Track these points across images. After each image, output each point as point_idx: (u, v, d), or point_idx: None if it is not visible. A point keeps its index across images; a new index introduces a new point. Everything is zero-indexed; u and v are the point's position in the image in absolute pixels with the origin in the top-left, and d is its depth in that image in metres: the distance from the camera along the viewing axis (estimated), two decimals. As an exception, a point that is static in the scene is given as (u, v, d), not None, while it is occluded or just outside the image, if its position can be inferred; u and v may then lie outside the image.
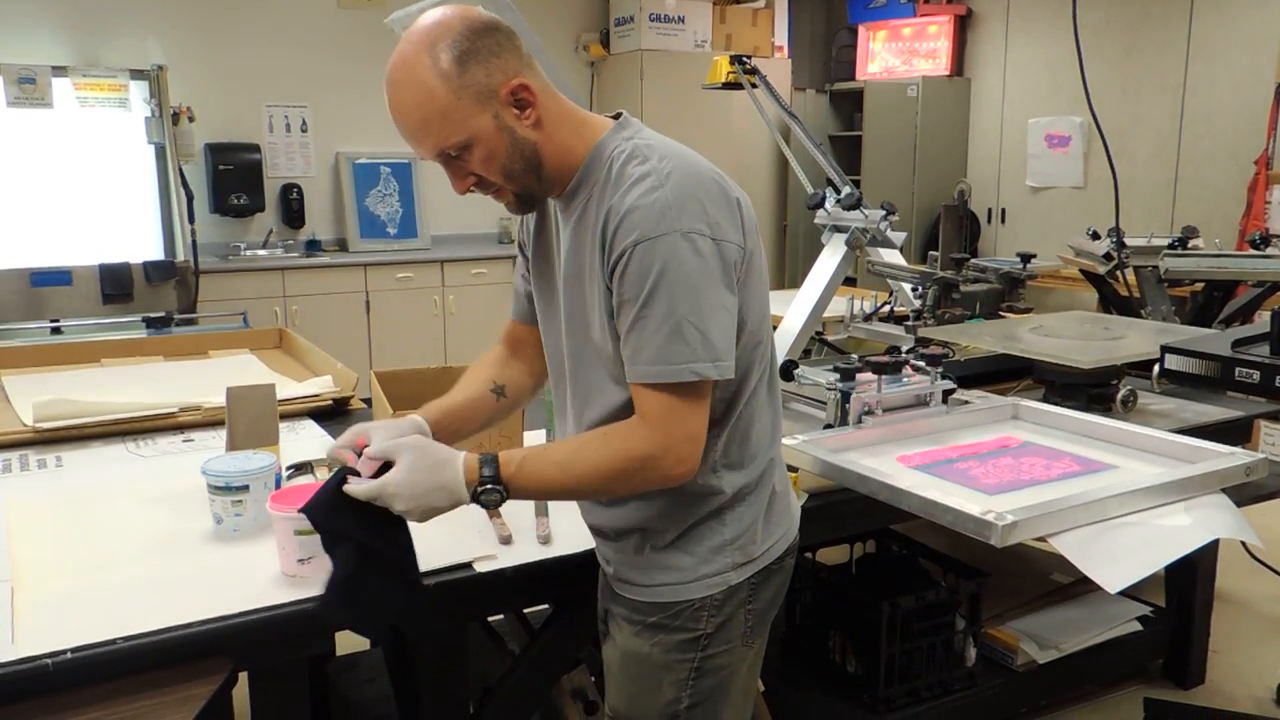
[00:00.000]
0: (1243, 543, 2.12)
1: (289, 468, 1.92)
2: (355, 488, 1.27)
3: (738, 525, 1.39)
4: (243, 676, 1.43)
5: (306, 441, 2.20)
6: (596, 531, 1.48)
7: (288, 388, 2.45)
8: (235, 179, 5.35)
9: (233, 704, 1.79)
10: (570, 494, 1.39)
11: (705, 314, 1.23)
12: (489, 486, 1.26)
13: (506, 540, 1.63)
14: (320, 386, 2.49)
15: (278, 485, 1.69)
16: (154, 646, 1.30)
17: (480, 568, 1.54)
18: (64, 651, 1.26)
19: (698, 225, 1.23)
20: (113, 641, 1.29)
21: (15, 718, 1.22)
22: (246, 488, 1.63)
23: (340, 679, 2.45)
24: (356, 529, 1.28)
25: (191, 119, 4.96)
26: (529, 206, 1.37)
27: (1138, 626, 2.75)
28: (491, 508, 1.28)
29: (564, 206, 1.36)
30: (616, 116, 1.37)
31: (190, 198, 4.79)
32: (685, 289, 1.22)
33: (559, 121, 1.31)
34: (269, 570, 1.50)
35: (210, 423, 2.27)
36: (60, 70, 4.61)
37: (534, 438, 1.97)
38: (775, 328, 2.49)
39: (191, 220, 4.80)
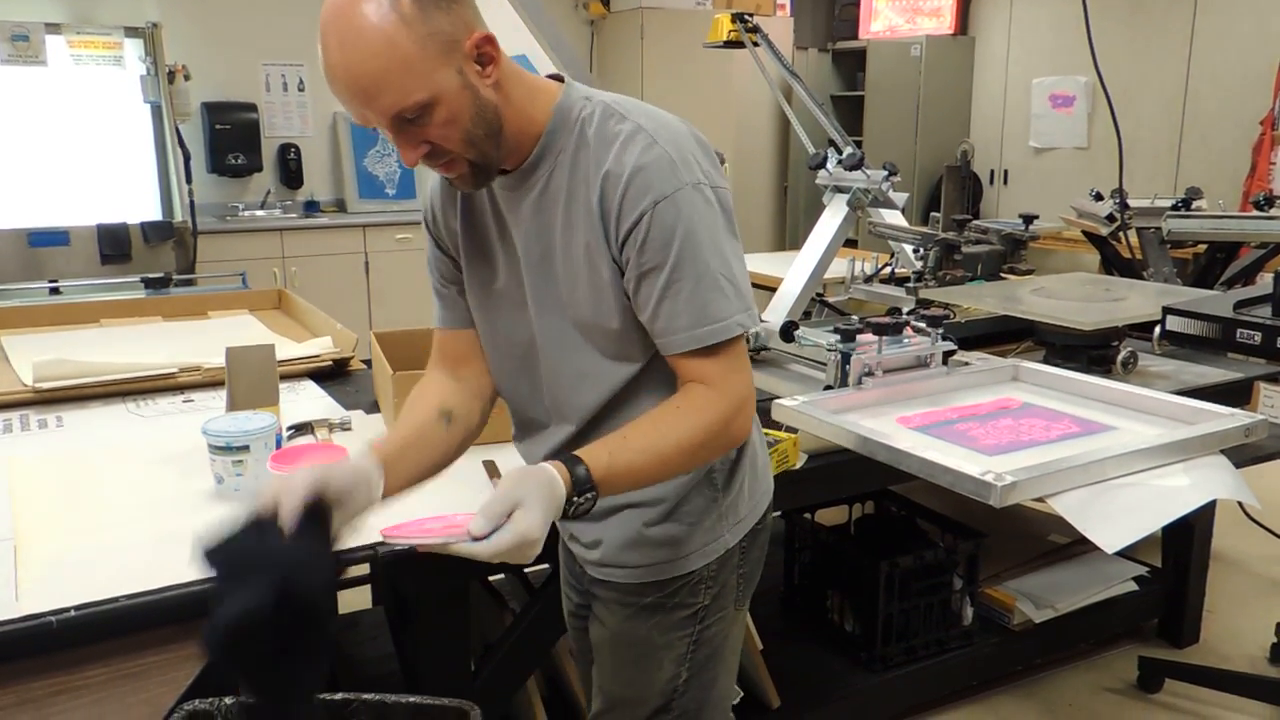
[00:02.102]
0: (1240, 503, 2.13)
1: (289, 428, 1.93)
2: (483, 547, 1.05)
3: (729, 489, 1.35)
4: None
5: (306, 402, 2.21)
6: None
7: (287, 348, 2.45)
8: (232, 139, 5.31)
9: (236, 661, 1.81)
10: (655, 479, 1.23)
11: (730, 263, 1.19)
12: (587, 495, 1.11)
13: (507, 500, 1.63)
14: (320, 347, 2.49)
15: (278, 446, 1.70)
16: (157, 604, 1.31)
17: (481, 527, 1.54)
18: (67, 609, 1.27)
19: (699, 175, 1.18)
20: (115, 599, 1.30)
21: (19, 675, 1.24)
22: (247, 448, 1.63)
23: (342, 637, 2.47)
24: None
25: (187, 78, 4.90)
26: (484, 179, 1.20)
27: (1134, 586, 2.77)
28: (581, 517, 1.15)
29: (517, 183, 1.23)
30: (557, 79, 1.25)
31: (187, 157, 4.75)
32: (710, 242, 1.17)
33: (515, 83, 1.18)
34: (270, 529, 1.50)
35: (210, 383, 2.27)
36: (54, 27, 4.55)
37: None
38: (774, 290, 2.49)
39: (189, 180, 4.76)
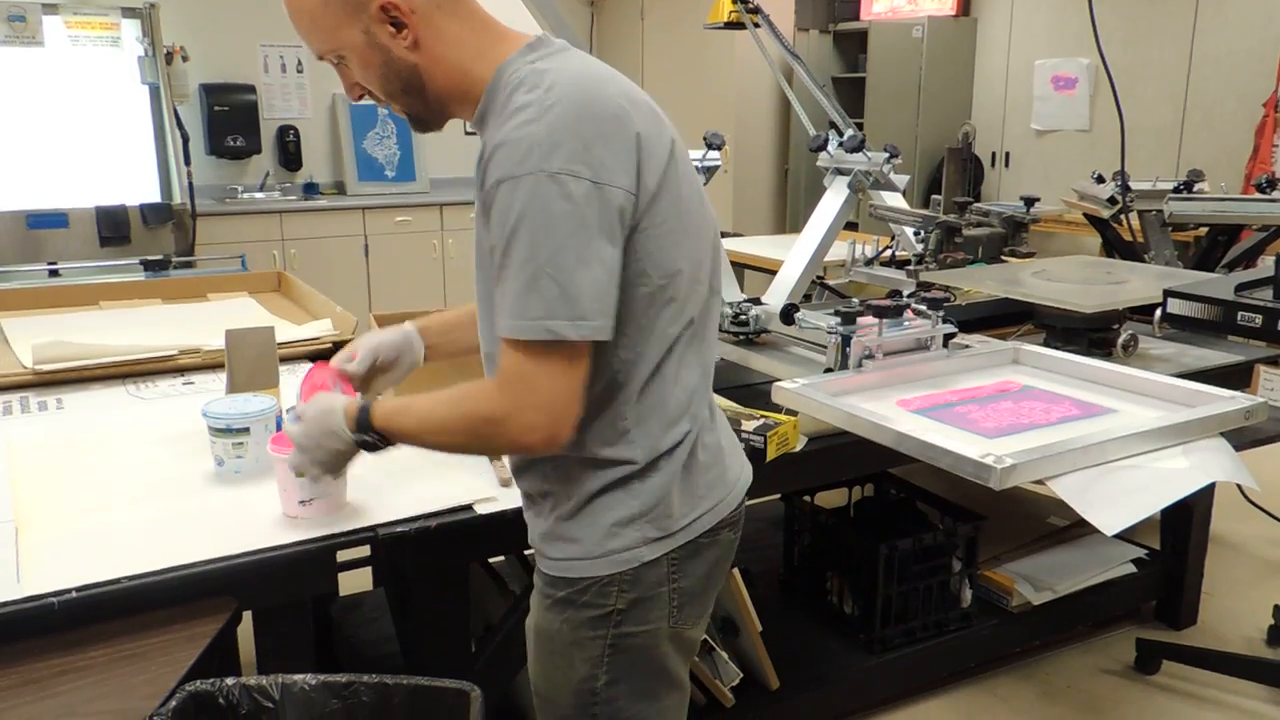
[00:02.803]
0: (1239, 486, 2.13)
1: (289, 410, 1.92)
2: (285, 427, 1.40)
3: (648, 497, 1.25)
4: (247, 615, 1.45)
5: (307, 384, 2.20)
6: (524, 494, 1.36)
7: (287, 331, 2.45)
8: (231, 120, 5.29)
9: (238, 642, 1.82)
10: (436, 449, 1.30)
11: (567, 265, 1.09)
12: (365, 437, 1.26)
13: (506, 483, 1.63)
14: (319, 330, 2.48)
15: (278, 427, 1.70)
16: (159, 585, 1.32)
17: (481, 510, 1.55)
18: (69, 590, 1.28)
19: (571, 165, 1.09)
20: (117, 581, 1.30)
21: (22, 656, 1.24)
22: (247, 430, 1.63)
23: (344, 618, 2.48)
24: None
25: (185, 59, 4.88)
26: (425, 127, 1.29)
27: (1132, 569, 2.78)
28: (373, 453, 1.29)
29: (480, 134, 1.24)
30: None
31: (185, 139, 4.74)
32: (545, 236, 1.08)
33: (454, 43, 1.20)
34: (271, 511, 1.51)
35: (210, 365, 2.27)
36: (51, 8, 4.52)
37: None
38: (775, 272, 2.49)
39: (188, 162, 4.74)
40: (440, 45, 1.20)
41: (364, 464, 1.59)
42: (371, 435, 1.26)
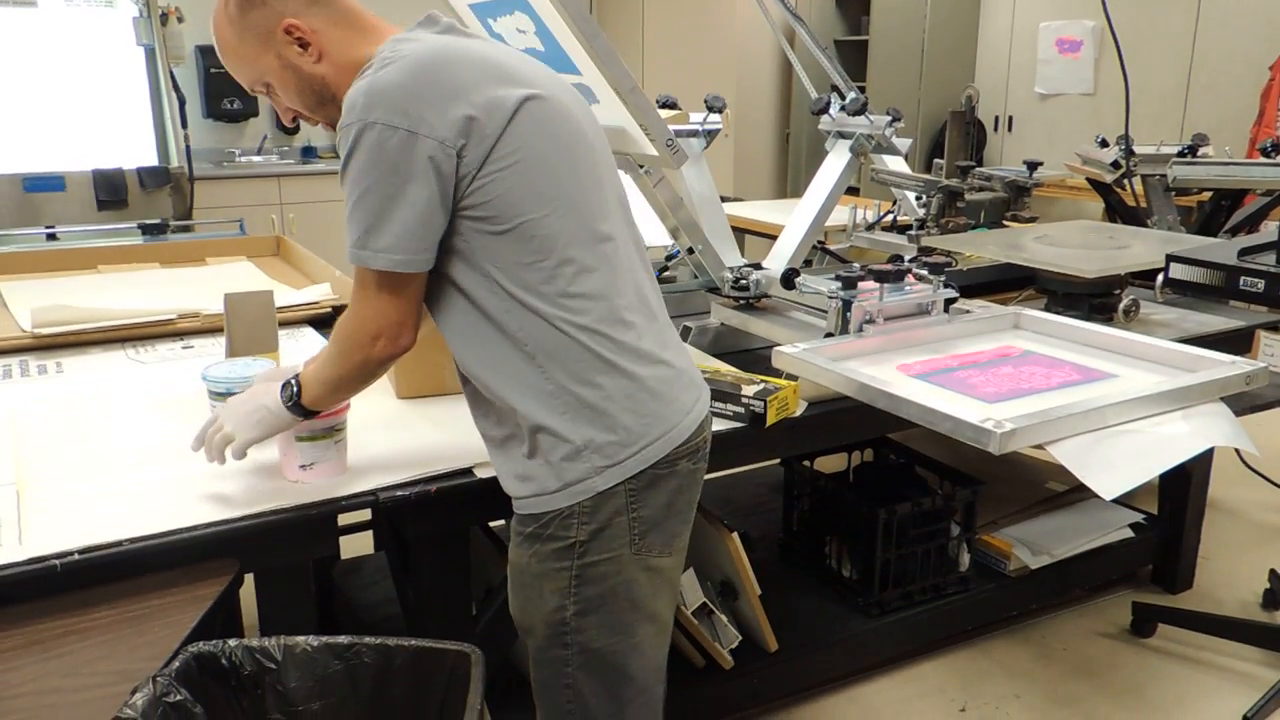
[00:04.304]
0: (1238, 451, 2.14)
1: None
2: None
3: (589, 429, 1.30)
4: (249, 578, 1.46)
5: (306, 349, 2.20)
6: (487, 439, 1.42)
7: (286, 295, 2.44)
8: (227, 83, 5.17)
9: (240, 604, 1.83)
10: (332, 386, 1.40)
11: (374, 205, 1.24)
12: (290, 387, 1.40)
13: (507, 447, 1.64)
14: (319, 294, 2.48)
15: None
16: (161, 548, 1.33)
17: (481, 474, 1.55)
18: (71, 552, 1.28)
19: (390, 118, 1.21)
20: (119, 543, 1.31)
21: (25, 617, 1.25)
22: (247, 394, 1.63)
23: (345, 581, 2.50)
24: None
25: (180, 20, 4.83)
26: None
27: (1129, 533, 2.79)
28: (287, 405, 1.40)
29: None
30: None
31: (182, 102, 4.69)
32: (361, 177, 1.23)
33: (349, 49, 1.34)
34: (272, 475, 1.51)
35: (209, 329, 2.27)
36: (43, -33, 4.47)
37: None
38: (775, 237, 2.47)
39: (184, 125, 4.71)
40: (338, 54, 1.34)
41: (365, 430, 1.59)
42: (293, 380, 1.41)
